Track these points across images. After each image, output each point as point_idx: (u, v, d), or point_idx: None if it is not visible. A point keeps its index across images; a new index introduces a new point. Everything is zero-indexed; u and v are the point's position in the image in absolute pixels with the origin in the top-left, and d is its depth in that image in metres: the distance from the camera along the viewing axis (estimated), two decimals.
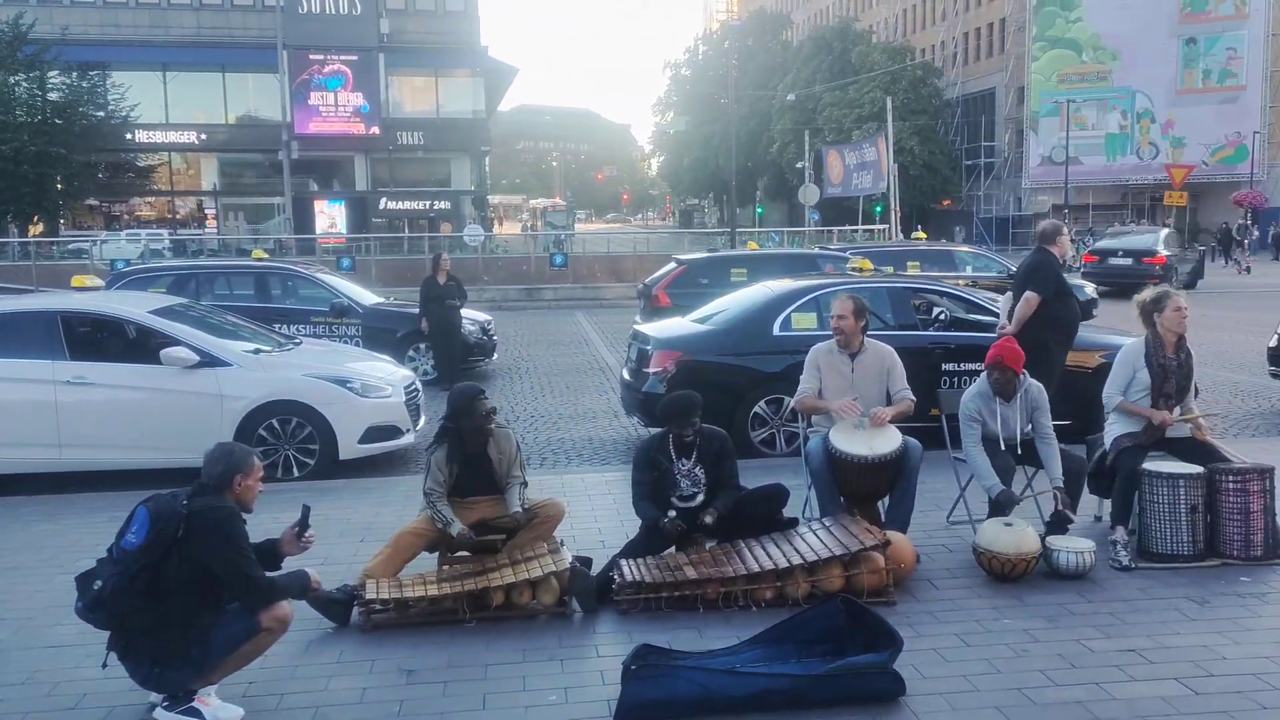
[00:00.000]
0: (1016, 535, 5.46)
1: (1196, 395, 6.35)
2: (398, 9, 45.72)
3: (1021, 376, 5.99)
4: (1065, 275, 8.31)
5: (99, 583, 3.90)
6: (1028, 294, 7.98)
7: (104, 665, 4.08)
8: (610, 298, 27.42)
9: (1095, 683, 4.24)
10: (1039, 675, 4.32)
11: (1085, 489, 6.10)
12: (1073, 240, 37.21)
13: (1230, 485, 5.62)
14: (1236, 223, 41.69)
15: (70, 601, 4.88)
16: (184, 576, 3.93)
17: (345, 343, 12.70)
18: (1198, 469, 5.70)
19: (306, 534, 4.34)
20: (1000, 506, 5.73)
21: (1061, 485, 5.79)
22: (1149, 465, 5.78)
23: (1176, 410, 6.04)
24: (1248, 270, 34.51)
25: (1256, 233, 48.13)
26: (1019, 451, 5.98)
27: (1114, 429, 6.14)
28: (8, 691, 4.42)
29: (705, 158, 73.76)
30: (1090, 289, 10.08)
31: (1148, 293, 6.30)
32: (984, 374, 6.10)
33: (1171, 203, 36.39)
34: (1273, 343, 11.15)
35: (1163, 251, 26.11)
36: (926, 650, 4.57)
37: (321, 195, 46.79)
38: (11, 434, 7.90)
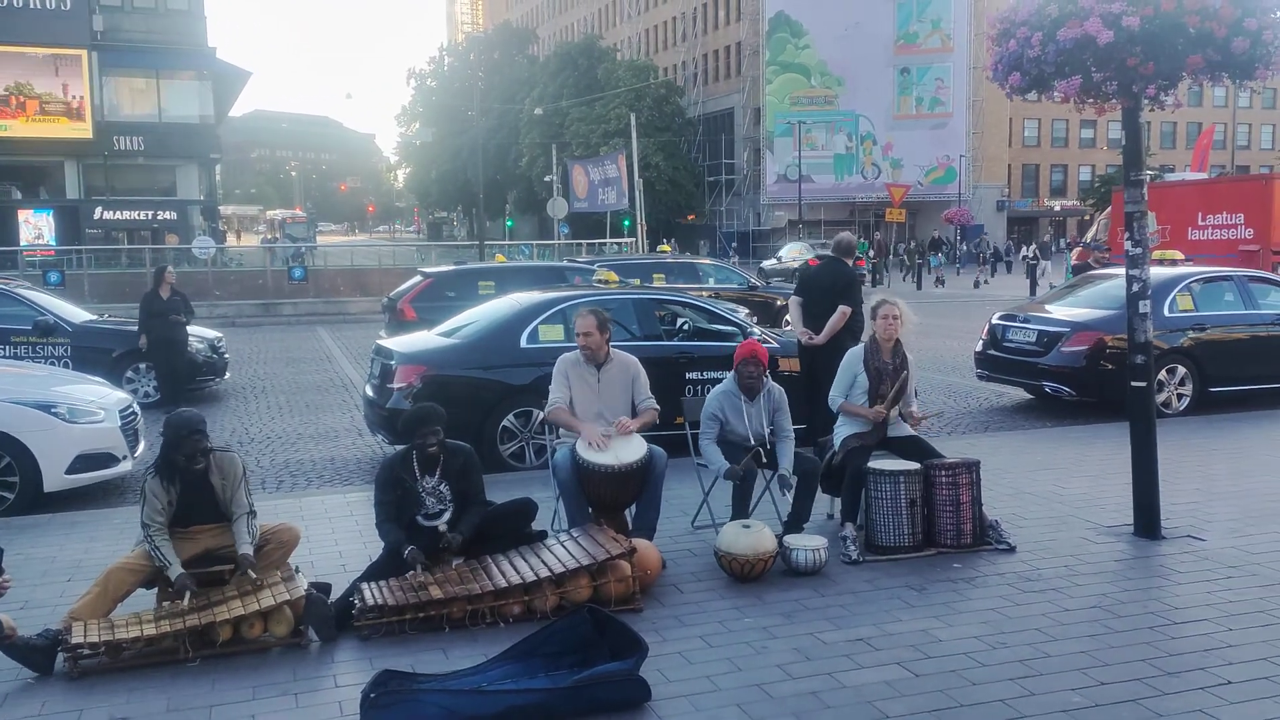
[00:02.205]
0: (754, 536, 5.67)
1: (916, 396, 6.82)
2: (113, 6, 42.24)
3: (766, 377, 6.27)
4: None
5: None
6: (842, 307, 8.55)
7: None
8: (355, 312, 26.56)
9: (828, 673, 4.45)
10: (776, 670, 4.49)
11: (819, 489, 6.43)
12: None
13: (943, 479, 6.09)
14: (930, 237, 45.87)
15: None
16: None
17: (51, 364, 11.56)
18: (915, 465, 6.15)
19: (1, 577, 3.87)
20: (744, 496, 6.00)
21: (787, 474, 6.11)
22: (873, 464, 6.18)
23: (895, 410, 6.49)
24: (940, 283, 37.85)
25: (965, 246, 53.16)
26: (763, 450, 6.23)
27: (842, 430, 6.53)
28: None
29: (454, 170, 73.13)
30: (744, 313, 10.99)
31: (873, 299, 6.75)
32: (731, 374, 6.33)
33: (892, 219, 39.53)
34: (978, 347, 12.28)
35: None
36: (671, 654, 4.65)
37: (26, 204, 42.48)
38: None
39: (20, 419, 7.51)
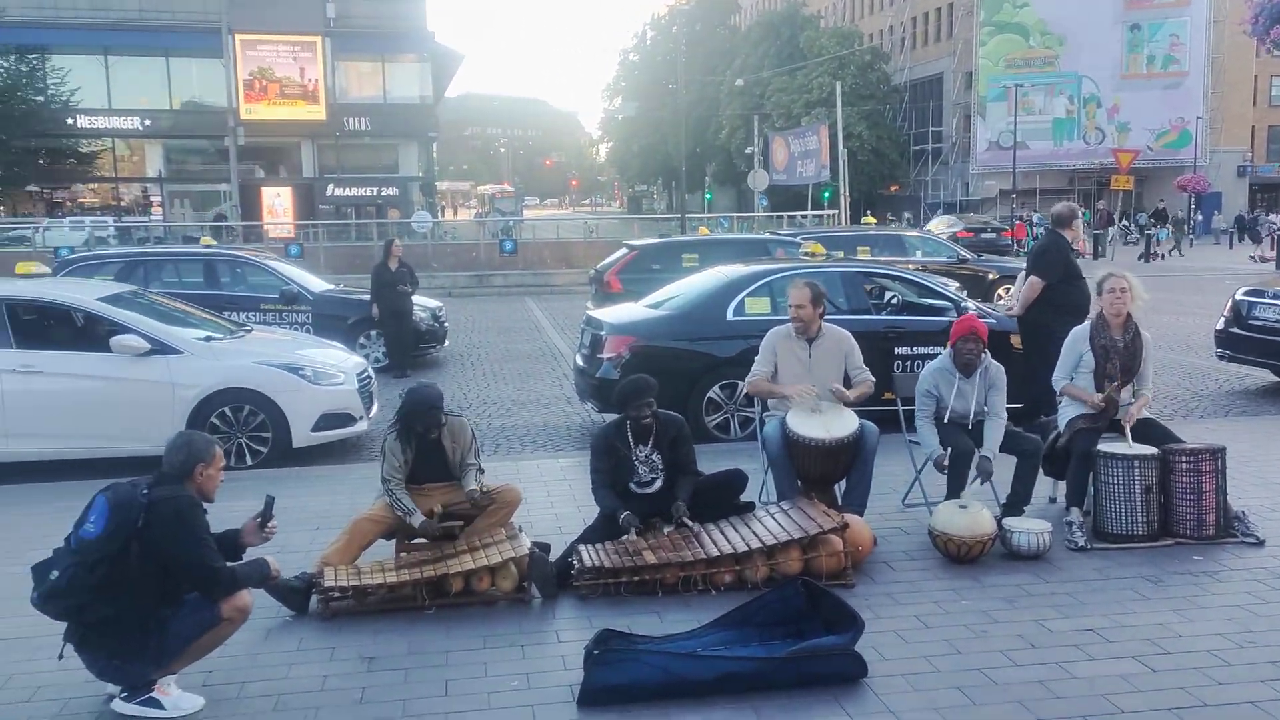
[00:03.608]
0: (972, 517, 5.53)
1: (1148, 380, 6.37)
2: None
3: (985, 353, 6.08)
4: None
5: (55, 573, 3.81)
6: (1031, 278, 8.17)
7: (60, 657, 3.99)
8: (560, 284, 27.30)
9: (1055, 662, 4.31)
10: (999, 655, 4.38)
11: (1040, 471, 6.18)
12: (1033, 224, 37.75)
13: (1183, 465, 5.73)
14: (1155, 207, 42.56)
15: (22, 593, 4.75)
16: (144, 567, 3.85)
17: (296, 330, 12.52)
18: (1151, 450, 5.81)
19: (269, 524, 4.29)
20: (951, 475, 5.85)
21: (991, 456, 5.89)
22: (1103, 447, 5.87)
23: (1126, 392, 6.14)
24: (1169, 254, 35.16)
25: (1200, 216, 49.30)
26: (970, 428, 6.05)
27: (1068, 410, 6.24)
28: None
29: (654, 143, 73.72)
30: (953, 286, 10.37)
31: (1099, 273, 6.40)
32: (947, 349, 6.17)
33: (1118, 187, 37.03)
34: (1219, 325, 11.40)
35: None
36: (886, 632, 4.62)
37: (268, 182, 46.01)
38: None
39: (274, 380, 8.20)
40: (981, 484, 5.96)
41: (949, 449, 5.87)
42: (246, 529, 4.28)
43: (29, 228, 34.69)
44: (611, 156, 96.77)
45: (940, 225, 34.72)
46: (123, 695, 4.00)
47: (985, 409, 6.08)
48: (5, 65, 39.95)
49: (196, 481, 4.04)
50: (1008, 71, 54.71)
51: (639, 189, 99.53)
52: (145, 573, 3.86)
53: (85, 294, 8.60)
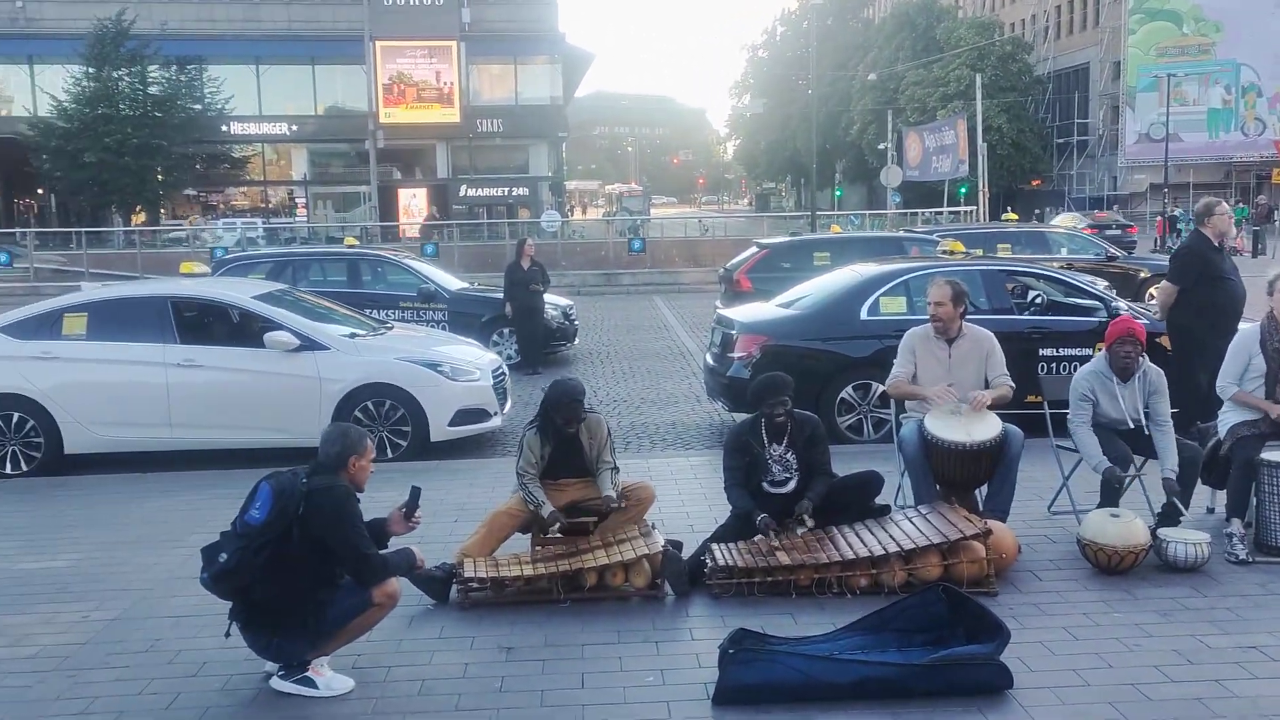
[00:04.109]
0: (1124, 526, 5.30)
1: None
2: None
3: (1143, 357, 5.81)
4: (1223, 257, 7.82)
5: (224, 555, 4.03)
6: (1164, 282, 7.76)
7: (226, 635, 4.21)
8: (688, 282, 27.32)
9: (1215, 680, 4.10)
10: (1153, 671, 4.19)
11: (1198, 480, 5.88)
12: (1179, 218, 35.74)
13: None
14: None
15: (187, 573, 5.06)
16: (303, 552, 4.05)
17: (432, 327, 12.89)
18: None
19: (415, 515, 4.43)
20: (1107, 484, 5.59)
21: (1174, 475, 5.59)
22: (1268, 455, 5.54)
23: None
24: None
25: None
26: (1126, 434, 5.79)
27: (1229, 417, 5.91)
28: (132, 659, 4.60)
29: (783, 140, 73.09)
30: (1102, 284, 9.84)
31: (1270, 272, 6.04)
32: (1102, 353, 5.93)
33: None
34: None
35: None
36: (1032, 643, 4.47)
37: (405, 183, 47.56)
38: (127, 414, 8.22)
39: (413, 376, 8.46)
40: (1174, 501, 5.60)
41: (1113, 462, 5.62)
42: (392, 519, 4.44)
43: (186, 229, 36.71)
44: (739, 154, 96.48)
45: (1065, 222, 33.27)
46: (280, 673, 4.21)
47: (1144, 416, 5.80)
48: (167, 76, 42.37)
49: (350, 472, 4.22)
50: (1159, 60, 52.10)
51: (766, 186, 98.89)
52: (305, 556, 4.06)
53: (241, 292, 9.06)
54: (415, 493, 4.49)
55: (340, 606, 4.17)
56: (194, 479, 7.83)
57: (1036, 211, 51.43)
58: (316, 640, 4.18)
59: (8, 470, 8.14)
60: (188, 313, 8.72)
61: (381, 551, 4.30)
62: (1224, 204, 7.89)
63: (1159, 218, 37.56)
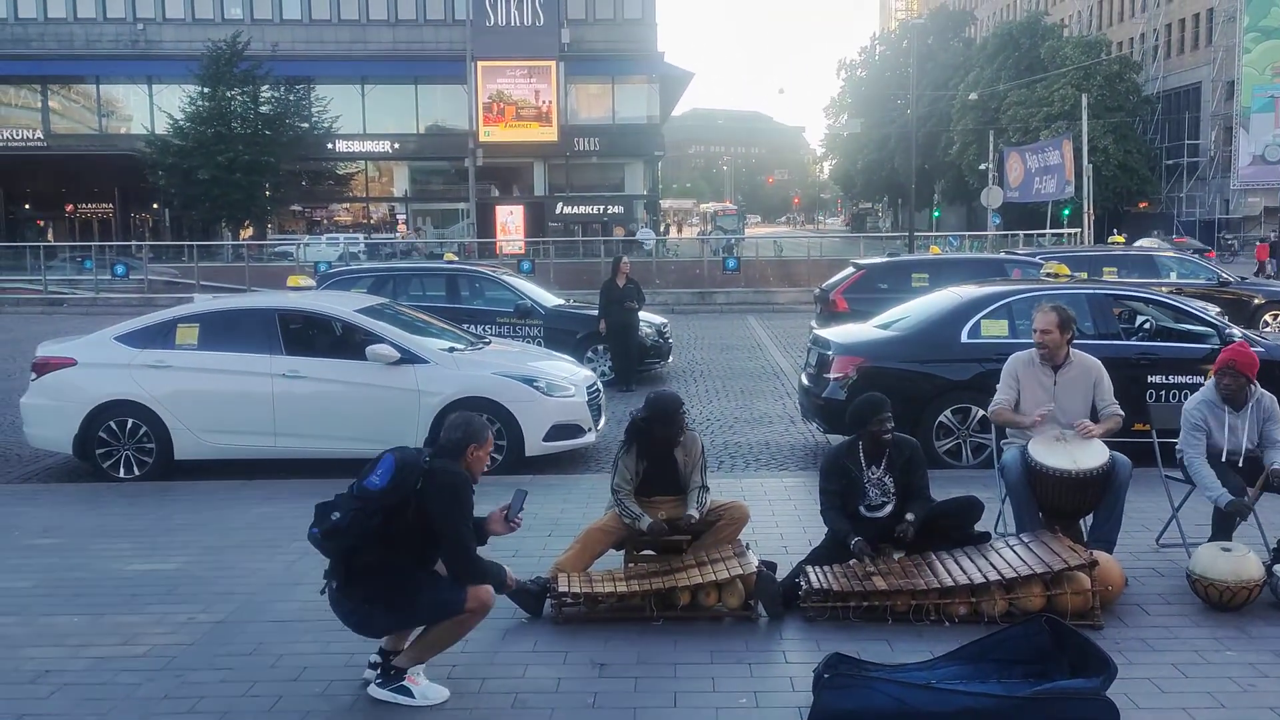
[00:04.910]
0: (1236, 561, 5.09)
1: None
2: (578, 19, 46.82)
3: (1254, 385, 5.60)
4: None
5: (337, 514, 4.10)
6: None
7: (322, 592, 4.28)
8: (782, 302, 27.18)
9: None
10: (1270, 713, 4.02)
11: None
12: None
13: None
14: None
15: (289, 579, 5.20)
16: (413, 527, 4.12)
17: (528, 343, 13.06)
18: None
19: (517, 517, 4.49)
20: (1229, 518, 5.39)
21: None
22: None
23: None
24: None
25: None
26: (1240, 466, 5.58)
27: None
28: (237, 661, 4.74)
29: (880, 160, 72.27)
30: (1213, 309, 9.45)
31: None
32: (1211, 381, 5.73)
33: None
34: None
35: None
36: (1140, 679, 4.32)
37: (502, 200, 48.37)
38: (235, 422, 8.51)
39: (509, 391, 8.58)
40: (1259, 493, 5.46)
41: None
42: (493, 518, 4.49)
43: (293, 243, 37.95)
44: (835, 173, 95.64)
45: (1147, 244, 32.45)
46: (378, 681, 4.29)
47: (1259, 446, 5.58)
48: (276, 95, 43.96)
49: (467, 459, 4.29)
50: (1275, 80, 50.11)
51: (863, 207, 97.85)
52: (413, 532, 4.13)
53: (345, 306, 9.31)
54: (520, 496, 4.54)
55: (434, 597, 4.20)
56: (296, 487, 8.05)
57: (1171, 234, 49.80)
58: (403, 622, 4.23)
59: (121, 474, 8.47)
60: (293, 325, 8.97)
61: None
62: None
63: (1260, 242, 36.02)
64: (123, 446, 8.50)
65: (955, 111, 61.77)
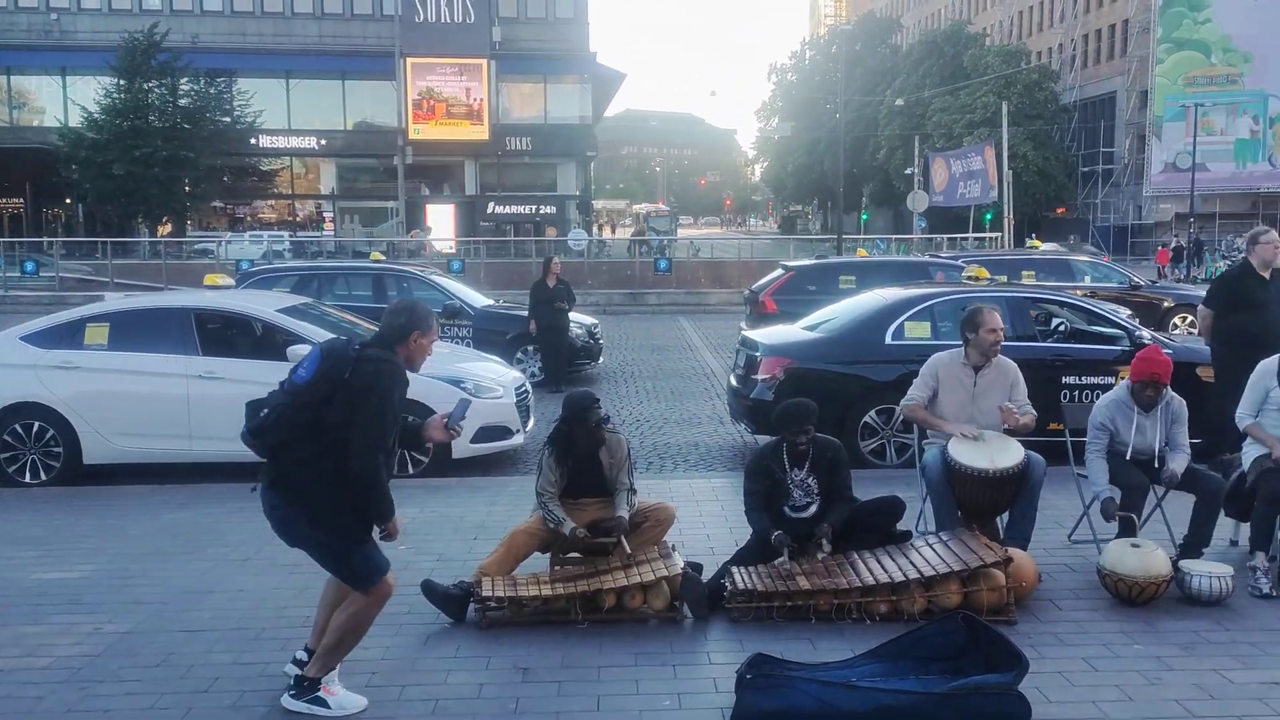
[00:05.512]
0: (1145, 557, 5.24)
1: None
2: (510, 17, 46.55)
3: (1165, 389, 5.77)
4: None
5: (265, 410, 3.99)
6: (1199, 306, 7.84)
7: (253, 490, 4.15)
8: (714, 303, 27.33)
9: (1237, 716, 4.04)
10: (1175, 705, 4.14)
11: (1222, 512, 5.81)
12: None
13: None
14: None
15: (202, 587, 5.08)
16: (342, 420, 3.94)
17: (457, 344, 12.93)
18: None
19: (457, 425, 4.35)
20: (1105, 513, 5.60)
21: (1175, 474, 5.65)
22: None
23: None
24: None
25: None
26: (1155, 465, 5.76)
27: (1253, 449, 5.84)
28: (145, 672, 4.59)
29: (810, 163, 73.12)
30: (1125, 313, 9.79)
31: None
32: (1124, 382, 5.90)
33: None
34: None
35: None
36: (1051, 674, 4.41)
37: (433, 199, 47.88)
38: (147, 426, 8.26)
39: (436, 392, 8.40)
40: (1168, 489, 5.75)
41: (1117, 495, 5.61)
42: (432, 424, 4.37)
43: (213, 241, 37.09)
44: (766, 176, 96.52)
45: (1048, 249, 33.53)
46: (291, 693, 4.17)
47: (1167, 446, 5.78)
48: (196, 89, 42.88)
49: (409, 348, 4.11)
50: (1187, 90, 51.87)
51: (793, 209, 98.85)
52: (341, 425, 3.93)
53: (265, 305, 9.11)
54: (464, 404, 4.43)
55: (350, 547, 4.03)
56: (213, 492, 7.84)
57: (1070, 239, 51.17)
58: (314, 542, 4.06)
59: (27, 479, 8.18)
60: (210, 325, 8.76)
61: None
62: (1272, 233, 7.79)
63: (1160, 247, 37.36)
64: (28, 451, 8.21)
65: (883, 116, 62.77)
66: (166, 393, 8.23)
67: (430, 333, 4.17)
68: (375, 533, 4.14)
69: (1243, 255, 8.07)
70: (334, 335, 8.24)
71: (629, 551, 5.33)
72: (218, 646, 4.75)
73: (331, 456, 3.94)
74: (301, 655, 4.31)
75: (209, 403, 8.22)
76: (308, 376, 3.96)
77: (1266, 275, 7.64)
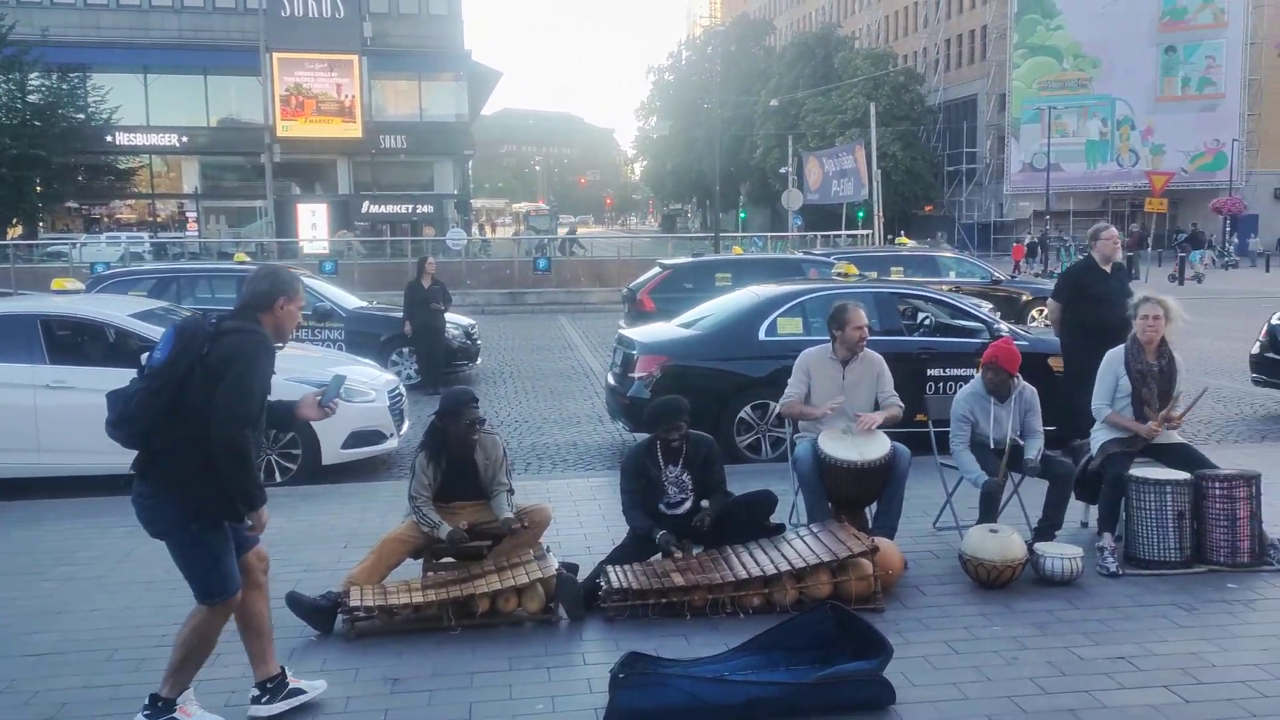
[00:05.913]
0: (1002, 541, 5.45)
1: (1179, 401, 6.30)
2: (381, 12, 45.53)
3: (1016, 378, 6.02)
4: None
5: (125, 399, 3.77)
6: (1049, 300, 8.26)
7: (122, 484, 3.92)
8: (594, 302, 27.37)
9: (1086, 690, 4.23)
10: (1029, 683, 4.30)
11: (1072, 496, 6.10)
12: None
13: (1217, 491, 5.63)
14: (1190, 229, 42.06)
15: (49, 608, 4.81)
16: (205, 401, 3.72)
17: (328, 346, 12.61)
18: (1184, 475, 5.71)
19: (332, 403, 4.15)
20: (993, 500, 5.78)
21: (1034, 459, 5.93)
22: (1136, 471, 5.79)
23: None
24: (1197, 279, 34.58)
25: (1236, 239, 48.73)
26: (1006, 452, 6.00)
27: (1100, 434, 6.15)
28: None
29: (688, 162, 73.86)
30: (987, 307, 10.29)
31: (1136, 297, 6.31)
32: (979, 374, 6.13)
33: (1152, 209, 36.62)
34: (1255, 349, 11.22)
35: None
36: (915, 658, 4.55)
37: (304, 199, 46.51)
38: None
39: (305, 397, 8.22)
40: (1027, 474, 5.99)
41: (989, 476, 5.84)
42: (305, 401, 4.16)
43: (66, 244, 35.24)
44: (646, 175, 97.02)
45: (908, 244, 35.10)
46: (145, 714, 3.97)
47: (1022, 434, 6.04)
48: (47, 84, 40.62)
49: (276, 315, 3.91)
50: (1041, 94, 54.46)
51: (673, 208, 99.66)
52: (206, 407, 3.73)
53: (118, 310, 8.70)
54: (338, 381, 4.23)
55: (211, 547, 3.85)
56: (63, 507, 7.46)
57: (928, 239, 53.06)
58: (175, 530, 3.84)
59: None
60: (60, 331, 8.34)
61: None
62: (1111, 229, 8.29)
63: (1015, 243, 39.30)
64: None
65: (758, 116, 63.91)
66: (11, 403, 7.80)
67: (297, 298, 3.96)
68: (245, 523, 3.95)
69: (1087, 250, 8.49)
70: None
71: (515, 528, 5.38)
72: (64, 671, 4.50)
73: (200, 442, 3.73)
74: (254, 691, 4.12)
75: (59, 413, 7.82)
76: (163, 357, 3.74)
77: (1108, 269, 8.05)
